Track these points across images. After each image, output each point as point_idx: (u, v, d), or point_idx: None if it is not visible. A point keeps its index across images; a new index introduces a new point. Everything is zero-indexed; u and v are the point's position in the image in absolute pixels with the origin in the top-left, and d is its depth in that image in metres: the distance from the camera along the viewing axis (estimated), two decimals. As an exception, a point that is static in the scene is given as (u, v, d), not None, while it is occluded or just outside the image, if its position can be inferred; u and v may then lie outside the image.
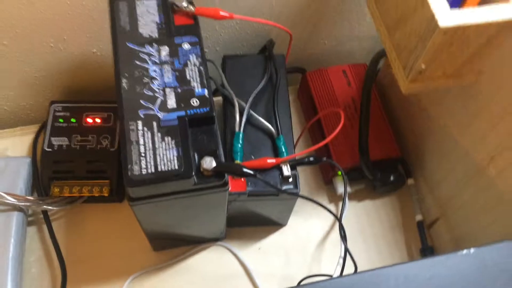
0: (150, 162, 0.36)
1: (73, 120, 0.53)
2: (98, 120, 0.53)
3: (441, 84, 0.39)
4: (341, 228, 0.45)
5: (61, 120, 0.52)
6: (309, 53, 0.60)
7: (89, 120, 0.53)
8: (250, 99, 0.47)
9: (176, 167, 0.36)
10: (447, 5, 0.33)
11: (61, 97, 0.56)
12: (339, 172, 0.52)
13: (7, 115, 0.57)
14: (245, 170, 0.38)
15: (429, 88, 0.39)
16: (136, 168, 0.36)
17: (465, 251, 0.33)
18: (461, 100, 0.42)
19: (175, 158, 0.37)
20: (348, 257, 0.44)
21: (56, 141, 0.51)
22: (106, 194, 0.51)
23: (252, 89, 0.48)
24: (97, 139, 0.52)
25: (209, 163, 0.37)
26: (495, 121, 0.39)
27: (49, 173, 0.51)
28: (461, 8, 0.34)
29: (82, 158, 0.51)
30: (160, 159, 0.36)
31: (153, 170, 0.36)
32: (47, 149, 0.51)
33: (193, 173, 0.36)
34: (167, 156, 0.37)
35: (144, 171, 0.36)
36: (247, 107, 0.47)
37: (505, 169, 0.39)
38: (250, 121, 0.47)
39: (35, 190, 0.52)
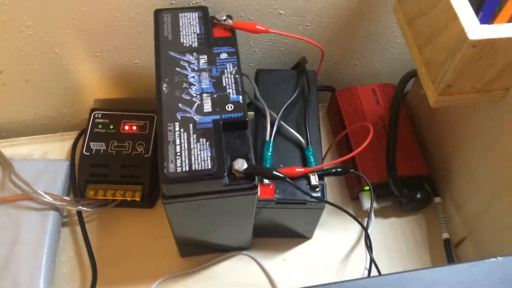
0: (185, 161, 0.38)
1: (111, 127, 0.55)
2: (134, 128, 0.55)
3: (469, 98, 0.40)
4: (367, 237, 0.45)
5: (100, 126, 0.55)
6: (339, 73, 0.62)
7: (126, 127, 0.55)
8: (282, 110, 0.49)
9: (209, 167, 0.38)
10: (477, 20, 0.35)
11: (101, 105, 0.59)
12: (366, 187, 0.53)
13: (49, 121, 0.61)
14: (275, 173, 0.39)
15: (458, 102, 0.40)
16: (171, 166, 0.38)
17: (492, 259, 0.33)
18: (489, 116, 0.43)
19: (209, 158, 0.38)
20: (374, 269, 0.45)
21: (94, 145, 0.54)
22: (138, 199, 0.52)
23: (283, 102, 0.50)
24: (132, 145, 0.54)
25: (241, 164, 0.38)
26: (524, 137, 0.39)
27: (86, 176, 0.53)
28: (491, 24, 0.35)
29: (117, 162, 0.53)
30: (194, 159, 0.38)
31: (187, 169, 0.38)
32: (85, 153, 0.54)
33: (225, 174, 0.38)
34: (201, 156, 0.38)
35: (179, 169, 0.38)
36: (278, 117, 0.48)
37: (533, 184, 0.39)
38: (280, 132, 0.49)
39: (72, 192, 0.54)
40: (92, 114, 0.56)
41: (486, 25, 0.35)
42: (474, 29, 0.34)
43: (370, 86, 0.58)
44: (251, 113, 0.53)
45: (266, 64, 0.58)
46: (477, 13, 0.38)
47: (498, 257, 0.33)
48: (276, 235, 0.53)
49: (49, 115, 0.60)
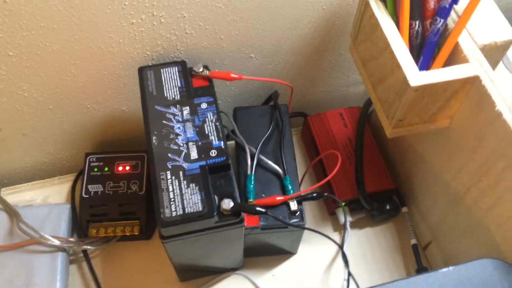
0: (178, 206, 0.44)
1: (106, 169, 0.60)
2: (127, 168, 0.60)
3: (419, 129, 0.46)
4: (343, 255, 0.52)
5: (95, 170, 0.60)
6: (309, 99, 0.68)
7: (120, 168, 0.60)
8: (259, 145, 0.55)
9: (200, 209, 0.44)
10: (416, 68, 0.41)
11: (93, 148, 0.64)
12: (341, 204, 0.59)
13: (46, 166, 0.65)
14: (258, 209, 0.45)
15: (410, 132, 0.46)
16: (167, 211, 0.43)
17: (445, 269, 0.40)
18: (439, 140, 0.49)
19: (199, 201, 0.44)
20: (351, 279, 0.51)
21: (92, 188, 0.59)
22: (136, 233, 0.58)
23: (260, 136, 0.56)
24: (127, 184, 0.59)
25: (228, 204, 0.44)
26: (467, 157, 0.46)
27: (87, 217, 0.58)
28: (429, 70, 0.42)
29: (114, 202, 0.58)
30: (186, 203, 0.44)
31: (181, 212, 0.43)
32: (84, 196, 0.59)
33: (215, 214, 0.44)
34: (193, 200, 0.44)
35: (174, 214, 0.43)
36: (257, 152, 0.54)
37: (478, 200, 0.46)
38: (260, 164, 0.55)
39: (75, 232, 0.59)
40: (87, 158, 0.61)
41: (424, 72, 0.41)
42: (414, 76, 0.41)
43: (338, 111, 0.64)
44: (231, 143, 0.59)
45: (242, 99, 0.64)
46: (418, 57, 0.44)
47: (450, 267, 0.40)
48: (265, 253, 0.59)
49: (46, 161, 0.65)
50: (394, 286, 0.38)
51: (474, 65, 0.41)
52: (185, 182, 0.45)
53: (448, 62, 0.43)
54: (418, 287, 0.38)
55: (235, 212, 0.44)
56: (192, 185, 0.45)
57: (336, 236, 0.60)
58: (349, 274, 0.50)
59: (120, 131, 0.63)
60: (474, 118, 0.43)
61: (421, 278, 0.39)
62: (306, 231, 0.55)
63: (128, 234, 0.58)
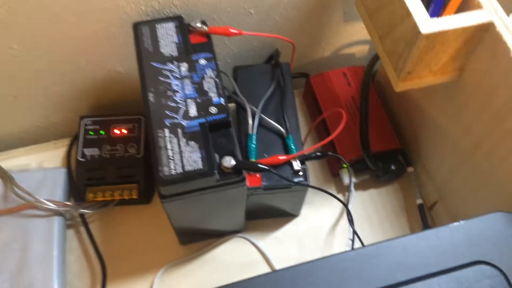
0: (177, 164, 0.42)
1: (102, 132, 0.58)
2: (124, 131, 0.58)
3: (428, 81, 0.44)
4: (349, 213, 0.50)
5: (91, 133, 0.58)
6: (311, 60, 0.66)
7: (116, 131, 0.58)
8: (261, 104, 0.53)
9: (201, 166, 0.42)
10: (427, 15, 0.39)
11: (88, 112, 0.62)
12: (345, 165, 0.57)
13: (40, 131, 0.63)
14: (260, 166, 0.44)
15: (419, 85, 0.44)
16: (166, 169, 0.42)
17: (456, 224, 0.38)
18: (448, 94, 0.48)
19: (199, 159, 0.42)
20: (356, 239, 0.50)
21: (88, 151, 0.57)
22: (135, 197, 0.56)
23: (261, 95, 0.54)
24: (124, 147, 0.58)
25: (229, 161, 0.42)
26: (479, 109, 0.44)
27: (84, 180, 0.56)
28: (440, 17, 0.39)
29: (112, 165, 0.57)
30: (186, 161, 0.42)
31: (181, 171, 0.42)
32: (80, 159, 0.57)
33: (216, 171, 0.42)
34: (192, 157, 0.42)
35: (173, 172, 0.42)
36: (258, 111, 0.52)
37: (490, 153, 0.44)
38: (262, 123, 0.53)
39: (72, 196, 0.58)
40: (82, 121, 0.59)
41: (435, 19, 0.39)
42: (425, 23, 0.38)
43: (341, 70, 0.62)
44: (232, 105, 0.57)
45: (242, 58, 0.61)
46: (428, 6, 0.42)
47: (461, 221, 0.39)
48: (267, 216, 0.57)
49: (40, 125, 0.63)
50: (404, 241, 0.37)
51: (489, 11, 0.39)
52: (184, 139, 0.43)
53: (460, 10, 0.41)
54: (428, 241, 0.37)
55: (237, 170, 0.43)
56: (192, 143, 0.43)
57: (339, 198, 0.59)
58: (354, 232, 0.49)
59: (115, 93, 0.61)
60: (488, 67, 0.41)
61: (431, 232, 0.38)
62: (308, 193, 0.53)
63: (126, 197, 0.56)
